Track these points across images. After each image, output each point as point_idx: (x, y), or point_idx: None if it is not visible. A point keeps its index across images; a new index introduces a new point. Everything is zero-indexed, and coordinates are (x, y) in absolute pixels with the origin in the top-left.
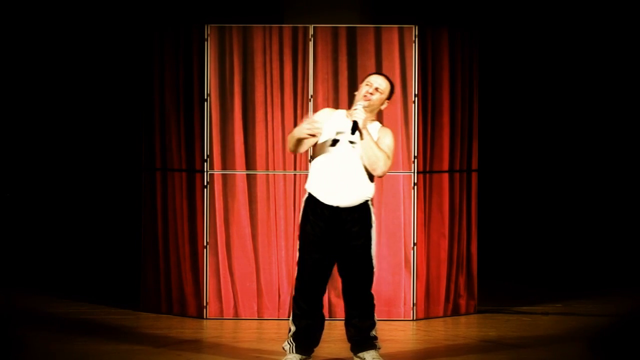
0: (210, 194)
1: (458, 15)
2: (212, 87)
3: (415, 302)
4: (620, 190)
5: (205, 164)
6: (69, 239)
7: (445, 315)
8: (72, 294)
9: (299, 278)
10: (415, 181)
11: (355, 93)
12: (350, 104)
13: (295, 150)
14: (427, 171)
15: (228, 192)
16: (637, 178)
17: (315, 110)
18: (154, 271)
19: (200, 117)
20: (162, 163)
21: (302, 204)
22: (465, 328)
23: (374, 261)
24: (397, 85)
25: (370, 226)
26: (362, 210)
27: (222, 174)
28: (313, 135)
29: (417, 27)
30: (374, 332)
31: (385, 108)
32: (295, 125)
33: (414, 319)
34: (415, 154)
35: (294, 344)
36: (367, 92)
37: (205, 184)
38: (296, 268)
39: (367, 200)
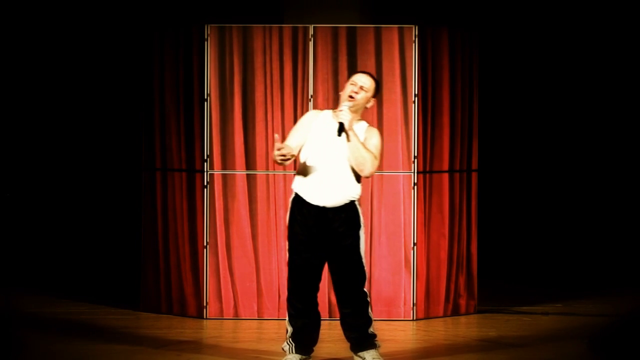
0: (210, 194)
1: (458, 16)
2: (212, 87)
3: (415, 302)
4: (620, 190)
5: (205, 164)
6: (69, 239)
7: (445, 315)
8: (72, 294)
9: (290, 278)
10: (415, 181)
11: (341, 93)
12: None
13: (284, 165)
14: (427, 171)
15: (228, 192)
16: (637, 178)
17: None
18: (154, 271)
19: (200, 117)
20: (162, 163)
21: (289, 204)
22: (465, 328)
23: (364, 260)
24: (397, 85)
25: (358, 226)
26: (349, 211)
27: (222, 174)
28: (290, 157)
29: (417, 27)
30: (372, 330)
31: (386, 108)
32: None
33: (414, 319)
34: (415, 154)
35: (293, 344)
36: (352, 91)
37: (205, 184)
38: (287, 269)
39: (353, 201)
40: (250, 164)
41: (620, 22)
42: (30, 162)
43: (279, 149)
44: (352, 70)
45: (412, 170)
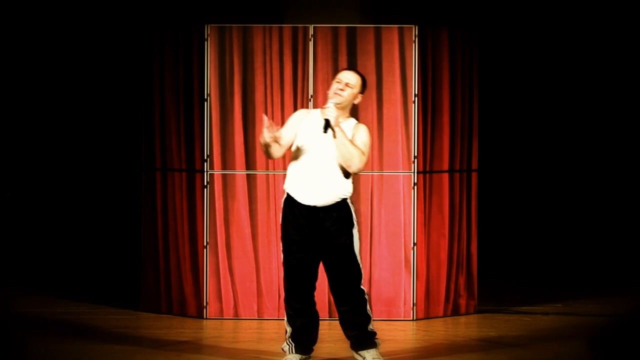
0: (210, 194)
1: (458, 16)
2: (212, 87)
3: (415, 302)
4: (620, 190)
5: (205, 164)
6: (69, 239)
7: (445, 315)
8: (72, 295)
9: (286, 279)
10: (415, 181)
11: (328, 91)
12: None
13: (269, 156)
14: (427, 171)
15: (228, 192)
16: (637, 178)
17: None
18: (154, 271)
19: (200, 117)
20: (162, 163)
21: (282, 205)
22: (465, 328)
23: (359, 258)
24: (397, 85)
25: (351, 225)
26: (341, 209)
27: (222, 174)
28: (276, 141)
29: (417, 27)
30: (371, 327)
31: (386, 108)
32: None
33: (414, 319)
34: (415, 154)
35: (292, 344)
36: (338, 89)
37: (205, 184)
38: (282, 269)
39: (345, 199)
40: (250, 164)
41: (620, 22)
42: (30, 162)
43: (268, 127)
44: None
45: (412, 170)
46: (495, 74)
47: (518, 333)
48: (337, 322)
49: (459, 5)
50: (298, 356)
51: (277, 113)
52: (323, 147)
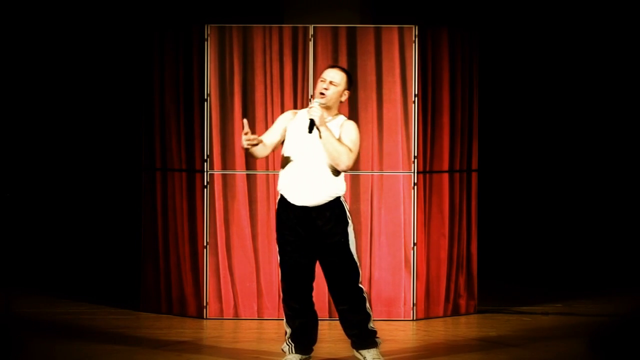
0: (210, 194)
1: (458, 16)
2: (212, 87)
3: (415, 302)
4: (620, 190)
5: (205, 164)
6: (69, 239)
7: (445, 315)
8: (72, 294)
9: (283, 280)
10: (415, 181)
11: (314, 90)
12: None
13: (253, 156)
14: (427, 171)
15: (228, 192)
16: (637, 178)
17: None
18: (154, 271)
19: (200, 117)
20: (162, 163)
21: (276, 206)
22: (465, 328)
23: (356, 256)
24: (397, 85)
25: (345, 223)
26: (333, 208)
27: (222, 174)
28: (256, 143)
29: (417, 27)
30: (371, 325)
31: (386, 108)
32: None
33: (414, 319)
34: (415, 154)
35: (292, 345)
36: (322, 88)
37: (205, 184)
38: (279, 270)
39: (338, 197)
40: (250, 164)
41: (620, 22)
42: (30, 162)
43: (245, 133)
44: (352, 70)
45: (412, 170)
46: (495, 74)
47: (518, 333)
48: (337, 322)
49: (459, 5)
50: (298, 356)
51: (277, 113)
52: (311, 147)
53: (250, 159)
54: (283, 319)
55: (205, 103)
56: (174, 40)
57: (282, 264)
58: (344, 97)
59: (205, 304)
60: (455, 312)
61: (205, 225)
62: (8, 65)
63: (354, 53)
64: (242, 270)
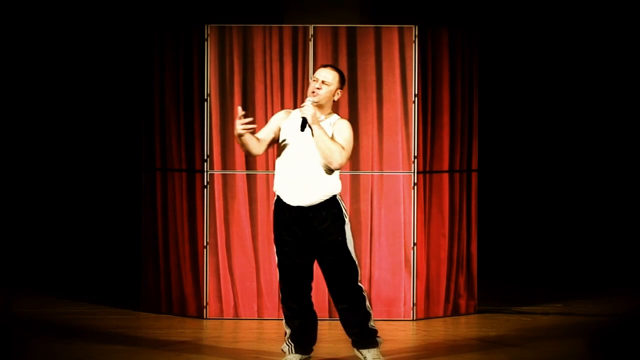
0: (210, 194)
1: (458, 16)
2: (212, 87)
3: (415, 302)
4: (620, 190)
5: (205, 164)
6: (69, 239)
7: (445, 315)
8: (72, 294)
9: (281, 280)
10: (415, 181)
11: (307, 90)
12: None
13: (249, 153)
14: (427, 171)
15: (228, 192)
16: (637, 178)
17: None
18: (154, 271)
19: (200, 117)
20: (162, 163)
21: (273, 207)
22: (465, 328)
23: (354, 255)
24: (397, 85)
25: (342, 222)
26: (330, 207)
27: (222, 174)
28: (252, 133)
29: (417, 27)
30: (372, 324)
31: (386, 108)
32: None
33: (414, 319)
34: (415, 154)
35: (292, 345)
36: (315, 87)
37: (205, 184)
38: (277, 271)
39: (334, 196)
40: (250, 164)
41: (620, 22)
42: (30, 162)
43: (239, 118)
44: (352, 70)
45: (412, 170)
46: (495, 74)
47: (518, 333)
48: (337, 322)
49: (459, 5)
50: (298, 356)
51: None
52: (305, 146)
53: (249, 157)
54: (283, 319)
55: (205, 103)
56: (174, 40)
57: (280, 265)
58: (337, 96)
59: (205, 304)
60: (455, 312)
61: (205, 225)
62: (8, 65)
63: (354, 53)
64: (242, 270)
